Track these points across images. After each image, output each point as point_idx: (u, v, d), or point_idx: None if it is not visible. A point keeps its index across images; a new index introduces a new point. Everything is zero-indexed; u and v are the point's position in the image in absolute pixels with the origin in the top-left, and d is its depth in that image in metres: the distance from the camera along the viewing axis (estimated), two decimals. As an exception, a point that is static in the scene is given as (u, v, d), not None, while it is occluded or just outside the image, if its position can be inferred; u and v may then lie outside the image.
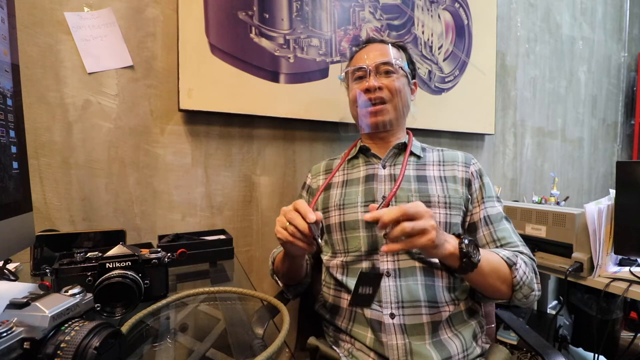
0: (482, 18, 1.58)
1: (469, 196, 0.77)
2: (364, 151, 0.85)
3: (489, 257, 0.64)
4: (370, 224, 0.75)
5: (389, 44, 0.85)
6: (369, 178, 0.80)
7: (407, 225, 0.53)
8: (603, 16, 2.33)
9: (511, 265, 0.65)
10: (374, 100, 0.79)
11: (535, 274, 0.69)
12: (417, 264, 0.71)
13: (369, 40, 0.87)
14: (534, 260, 0.72)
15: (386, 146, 0.84)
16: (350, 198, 0.79)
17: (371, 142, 0.86)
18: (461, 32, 1.52)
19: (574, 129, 2.21)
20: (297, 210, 0.59)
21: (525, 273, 0.66)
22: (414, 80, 0.89)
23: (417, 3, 1.38)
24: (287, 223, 0.59)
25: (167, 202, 1.01)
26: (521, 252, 0.71)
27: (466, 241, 0.58)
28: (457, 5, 1.50)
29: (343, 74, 0.89)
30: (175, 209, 1.02)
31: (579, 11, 2.18)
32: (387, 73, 0.81)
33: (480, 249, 0.62)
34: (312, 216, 0.57)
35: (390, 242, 0.55)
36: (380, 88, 0.79)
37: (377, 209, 0.58)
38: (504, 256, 0.66)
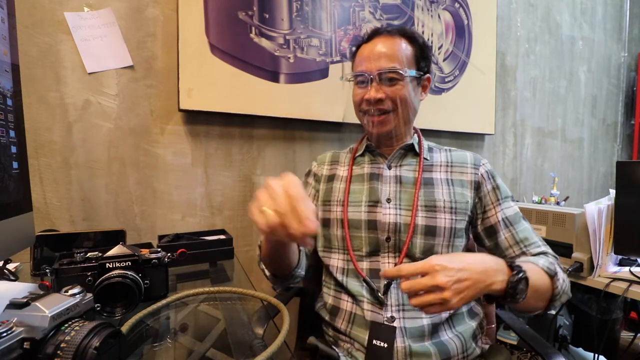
0: (482, 18, 1.58)
1: (477, 200, 0.75)
2: (371, 149, 0.82)
3: (533, 278, 0.58)
4: (373, 225, 0.73)
5: (398, 36, 0.75)
6: (374, 177, 0.77)
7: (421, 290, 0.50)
8: (603, 16, 2.33)
9: (552, 275, 0.62)
10: (376, 111, 0.74)
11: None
12: None
13: (376, 32, 0.77)
14: (557, 258, 0.70)
15: (392, 147, 0.81)
16: (355, 196, 0.76)
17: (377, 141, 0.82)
18: (461, 32, 1.52)
19: (574, 129, 2.21)
20: (293, 206, 0.44)
21: (564, 281, 0.64)
22: (427, 76, 0.80)
23: (417, 3, 1.38)
24: (270, 211, 0.45)
25: (167, 202, 1.01)
26: (545, 253, 0.70)
27: (515, 280, 0.54)
28: (457, 5, 1.50)
29: (347, 76, 0.81)
30: (175, 209, 1.02)
31: (579, 11, 2.18)
32: (392, 80, 0.73)
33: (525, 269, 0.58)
34: (314, 225, 0.44)
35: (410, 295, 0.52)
36: (381, 100, 0.73)
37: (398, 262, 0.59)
38: (543, 266, 0.63)
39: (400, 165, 0.78)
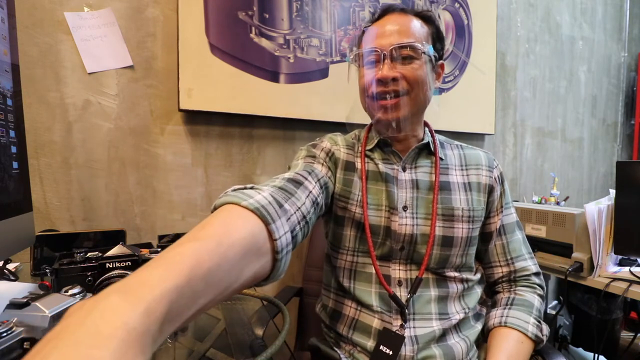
0: (482, 18, 1.58)
1: (486, 204, 0.71)
2: (382, 145, 0.73)
3: None
4: (390, 233, 0.67)
5: (413, 15, 0.67)
6: (389, 179, 0.69)
7: None
8: (603, 16, 2.33)
9: (539, 342, 0.65)
10: (388, 94, 0.65)
11: (544, 311, 0.71)
12: (430, 275, 0.68)
13: (388, 9, 0.69)
14: (542, 287, 0.72)
15: (405, 143, 0.72)
16: (375, 198, 0.68)
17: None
18: (461, 32, 1.52)
19: (574, 129, 2.21)
20: None
21: (546, 335, 0.66)
22: (440, 62, 0.71)
23: (417, 3, 1.38)
24: None
25: (167, 202, 1.01)
26: (528, 277, 0.71)
27: None
28: (457, 5, 1.50)
29: (352, 55, 0.71)
30: (175, 209, 1.02)
31: (579, 11, 2.18)
32: (407, 58, 0.64)
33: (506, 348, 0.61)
34: None
35: None
36: (395, 79, 0.63)
37: None
38: (532, 335, 0.64)
39: (416, 167, 0.71)
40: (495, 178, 0.72)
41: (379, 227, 0.67)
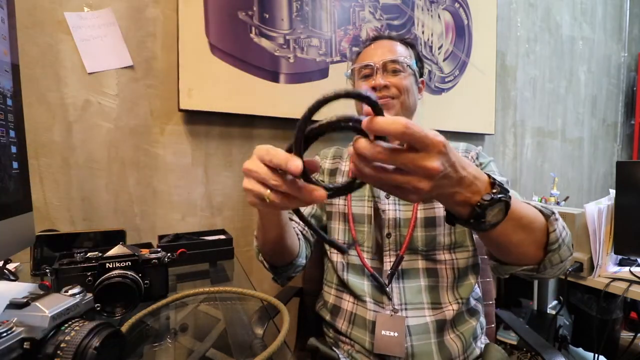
0: (482, 18, 1.58)
1: None
2: None
3: (520, 207, 0.45)
4: (378, 221, 0.74)
5: (398, 41, 0.83)
6: None
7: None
8: (603, 16, 2.33)
9: (549, 215, 0.50)
10: (380, 99, 0.75)
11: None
12: (420, 265, 0.71)
13: (377, 37, 0.85)
14: (556, 215, 0.58)
15: None
16: (359, 191, 0.77)
17: None
18: (461, 32, 1.52)
19: (574, 129, 2.21)
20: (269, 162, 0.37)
21: (564, 228, 0.52)
22: (421, 79, 0.86)
23: (417, 3, 1.38)
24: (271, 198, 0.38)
25: (167, 202, 1.01)
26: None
27: (491, 197, 0.39)
28: (457, 5, 1.50)
29: (349, 70, 0.86)
30: (175, 209, 1.02)
31: (579, 11, 2.18)
32: (395, 72, 0.78)
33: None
34: (298, 163, 0.35)
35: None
36: (387, 87, 0.76)
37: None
38: (536, 205, 0.51)
39: None
40: (471, 157, 0.78)
41: (362, 215, 0.76)
